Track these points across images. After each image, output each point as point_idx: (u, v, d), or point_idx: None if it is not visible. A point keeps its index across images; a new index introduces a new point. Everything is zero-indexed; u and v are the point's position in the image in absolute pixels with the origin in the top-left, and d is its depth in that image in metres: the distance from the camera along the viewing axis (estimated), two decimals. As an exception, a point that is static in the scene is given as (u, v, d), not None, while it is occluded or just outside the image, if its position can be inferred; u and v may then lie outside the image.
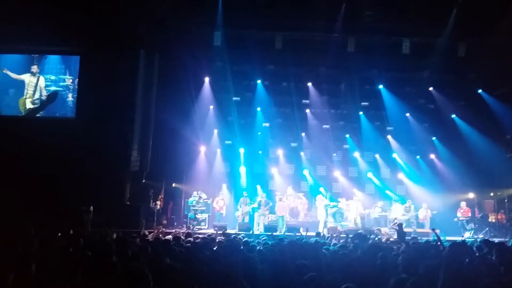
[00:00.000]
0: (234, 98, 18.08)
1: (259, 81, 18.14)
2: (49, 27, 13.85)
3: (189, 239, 8.48)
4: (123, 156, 14.78)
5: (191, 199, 16.00)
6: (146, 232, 11.61)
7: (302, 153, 19.21)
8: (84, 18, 14.28)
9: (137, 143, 15.31)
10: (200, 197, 15.82)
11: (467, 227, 15.70)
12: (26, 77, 15.95)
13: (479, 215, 16.47)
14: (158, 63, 16.24)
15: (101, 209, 12.88)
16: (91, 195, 13.30)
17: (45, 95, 15.56)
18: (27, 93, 15.92)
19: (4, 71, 15.98)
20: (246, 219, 16.24)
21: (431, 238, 11.40)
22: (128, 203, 14.48)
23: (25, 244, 5.45)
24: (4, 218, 9.35)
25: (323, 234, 13.22)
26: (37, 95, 15.92)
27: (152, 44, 15.63)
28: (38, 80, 15.94)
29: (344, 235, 12.08)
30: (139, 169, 15.10)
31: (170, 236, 9.83)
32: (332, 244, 9.43)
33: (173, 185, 17.01)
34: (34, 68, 15.99)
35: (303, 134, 19.21)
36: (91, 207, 12.65)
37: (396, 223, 13.31)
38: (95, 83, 14.97)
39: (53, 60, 16.26)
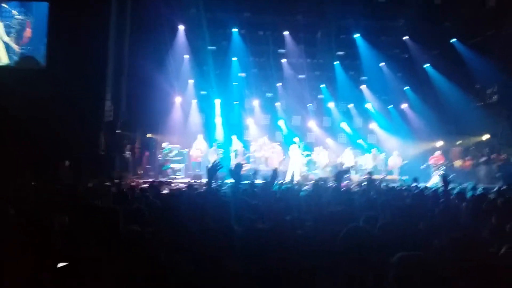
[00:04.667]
0: (210, 47, 17.82)
1: (235, 30, 17.84)
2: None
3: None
4: (96, 106, 14.61)
5: (163, 146, 16.08)
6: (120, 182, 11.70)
7: (277, 104, 19.34)
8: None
9: (110, 92, 15.10)
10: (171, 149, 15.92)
11: (434, 174, 16.35)
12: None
13: (446, 162, 17.12)
14: (131, 10, 15.74)
15: (76, 159, 12.88)
16: (64, 146, 13.23)
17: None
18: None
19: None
20: None
21: (397, 184, 11.97)
22: (102, 153, 14.49)
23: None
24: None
25: (297, 181, 13.63)
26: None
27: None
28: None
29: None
30: (113, 119, 15.00)
31: (146, 185, 9.98)
32: (303, 190, 9.82)
33: (148, 135, 17.02)
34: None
35: (278, 84, 19.25)
36: (66, 162, 12.63)
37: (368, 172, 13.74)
38: (65, 31, 14.47)
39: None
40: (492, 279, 2.57)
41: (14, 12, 15.69)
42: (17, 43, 15.67)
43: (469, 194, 7.27)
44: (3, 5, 15.64)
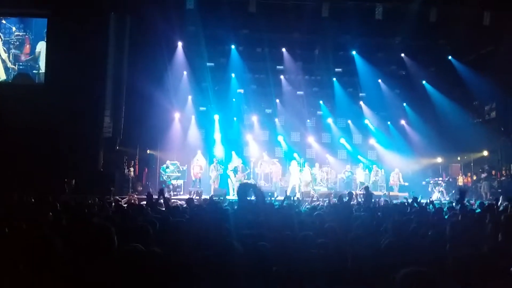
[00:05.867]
0: (208, 64, 17.87)
1: (233, 46, 17.91)
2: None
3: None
4: (95, 122, 14.56)
5: (164, 166, 16.05)
6: (119, 198, 11.61)
7: (276, 120, 19.35)
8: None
9: (109, 109, 15.05)
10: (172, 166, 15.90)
11: (435, 190, 16.36)
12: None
13: (446, 179, 17.12)
14: (130, 27, 15.80)
15: (75, 176, 12.81)
16: (64, 162, 13.15)
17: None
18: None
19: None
20: (217, 184, 16.36)
21: (399, 201, 11.89)
22: (102, 170, 14.38)
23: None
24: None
25: (297, 198, 13.53)
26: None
27: (123, 6, 15.14)
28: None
29: (316, 199, 12.53)
30: (112, 136, 14.92)
31: (144, 202, 9.86)
32: (303, 206, 9.77)
33: (148, 151, 16.94)
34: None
35: (277, 100, 19.27)
36: (73, 180, 12.61)
37: (364, 186, 13.70)
38: (64, 48, 14.52)
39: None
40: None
41: (14, 28, 15.75)
42: (17, 59, 15.71)
43: (477, 211, 7.26)
44: (3, 21, 15.71)
